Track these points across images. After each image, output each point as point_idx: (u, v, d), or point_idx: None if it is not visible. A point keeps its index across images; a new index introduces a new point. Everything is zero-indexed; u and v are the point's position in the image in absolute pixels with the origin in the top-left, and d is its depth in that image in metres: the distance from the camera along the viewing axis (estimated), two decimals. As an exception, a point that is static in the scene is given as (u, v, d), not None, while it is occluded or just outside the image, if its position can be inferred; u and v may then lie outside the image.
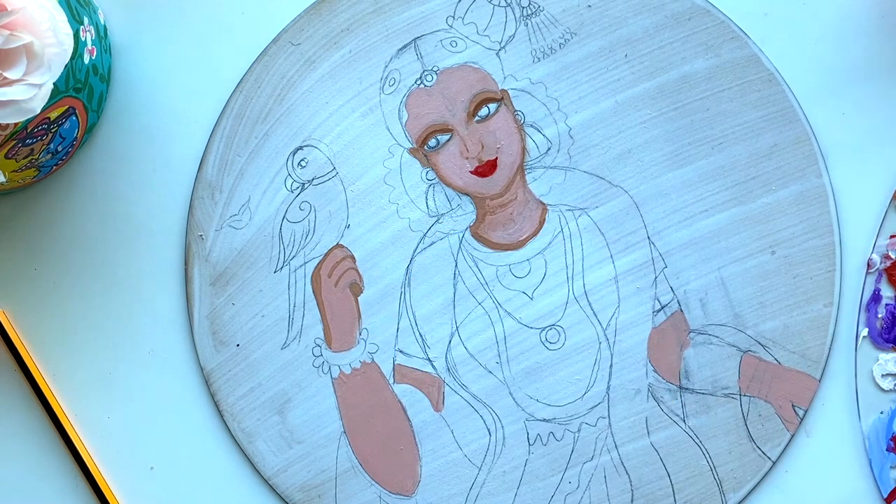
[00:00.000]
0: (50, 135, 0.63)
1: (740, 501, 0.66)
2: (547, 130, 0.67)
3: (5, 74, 0.55)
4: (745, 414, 0.65)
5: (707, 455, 0.66)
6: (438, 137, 0.67)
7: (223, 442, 0.68)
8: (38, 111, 0.56)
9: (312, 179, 0.67)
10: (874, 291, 0.66)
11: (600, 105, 0.66)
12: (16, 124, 0.59)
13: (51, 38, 0.56)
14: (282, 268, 0.67)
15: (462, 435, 0.67)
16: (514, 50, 0.67)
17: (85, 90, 0.64)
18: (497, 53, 0.67)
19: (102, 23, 0.68)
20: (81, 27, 0.63)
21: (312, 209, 0.67)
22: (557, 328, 0.66)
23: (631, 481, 0.66)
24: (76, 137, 0.66)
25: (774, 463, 0.66)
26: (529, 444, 0.66)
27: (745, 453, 0.66)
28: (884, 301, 0.66)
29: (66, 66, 0.57)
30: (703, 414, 0.66)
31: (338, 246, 0.67)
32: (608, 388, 0.66)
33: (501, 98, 0.67)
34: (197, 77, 0.68)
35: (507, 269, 0.67)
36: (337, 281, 0.67)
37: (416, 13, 0.67)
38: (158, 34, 0.69)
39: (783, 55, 0.66)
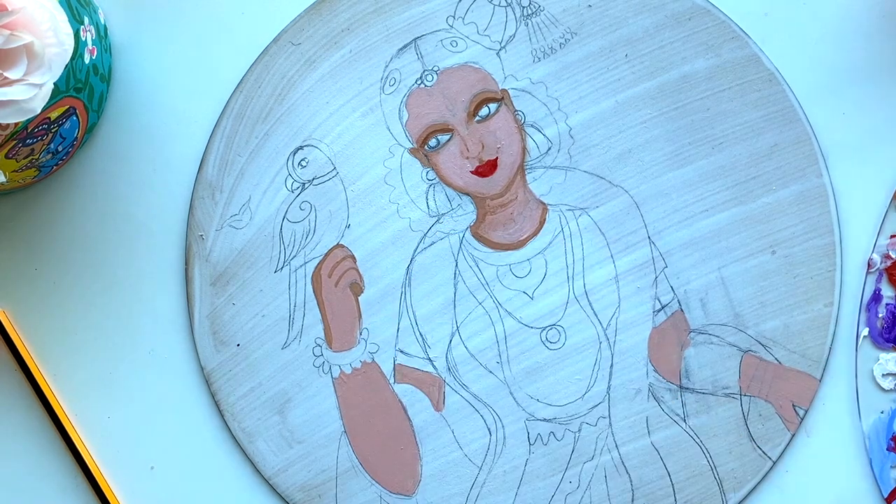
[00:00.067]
0: (50, 135, 0.63)
1: (741, 501, 0.66)
2: (547, 130, 0.67)
3: (6, 74, 0.55)
4: (746, 414, 0.65)
5: (707, 455, 0.66)
6: (439, 137, 0.67)
7: (223, 442, 0.68)
8: (39, 111, 0.56)
9: (313, 179, 0.67)
10: (874, 291, 0.66)
11: (600, 105, 0.66)
12: (16, 124, 0.59)
13: (51, 38, 0.56)
14: (282, 268, 0.67)
15: (462, 435, 0.67)
16: (515, 50, 0.67)
17: (85, 90, 0.64)
18: (497, 53, 0.67)
19: (103, 23, 0.68)
20: (82, 27, 0.63)
21: (313, 209, 0.67)
22: (558, 328, 0.66)
23: (631, 481, 0.66)
24: (76, 137, 0.66)
25: (775, 463, 0.66)
26: (530, 444, 0.66)
27: (746, 453, 0.66)
28: (884, 301, 0.66)
29: (66, 66, 0.57)
30: (704, 414, 0.66)
31: (338, 246, 0.67)
32: (608, 387, 0.66)
33: (502, 98, 0.67)
34: (197, 77, 0.68)
35: (508, 268, 0.67)
36: (337, 281, 0.67)
37: (417, 13, 0.67)
38: (158, 34, 0.69)
39: (783, 55, 0.66)
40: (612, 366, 0.66)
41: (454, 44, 0.67)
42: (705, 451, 0.66)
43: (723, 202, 0.66)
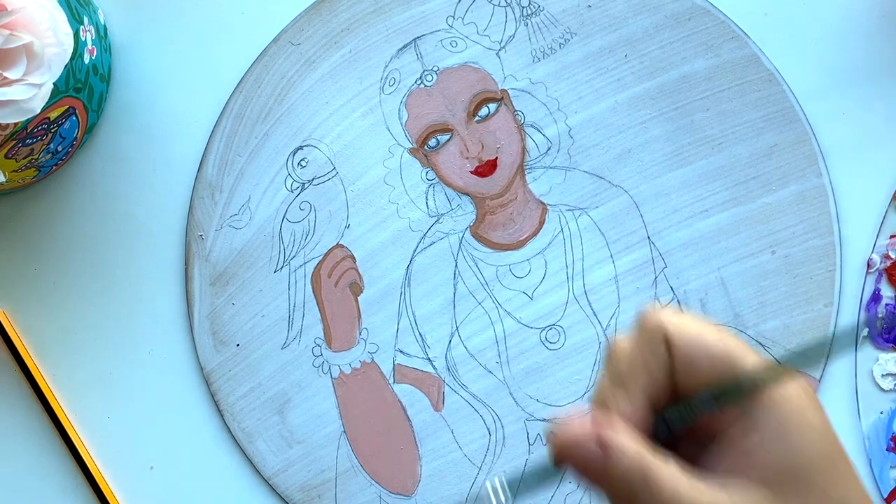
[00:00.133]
0: (50, 135, 0.63)
1: (740, 501, 0.66)
2: (547, 130, 0.67)
3: (5, 74, 0.55)
4: (745, 414, 0.65)
5: (707, 455, 0.66)
6: (438, 137, 0.67)
7: (223, 442, 0.68)
8: (38, 111, 0.56)
9: (312, 179, 0.67)
10: (874, 291, 0.66)
11: (600, 105, 0.66)
12: (16, 124, 0.59)
13: (51, 38, 0.56)
14: (282, 268, 0.67)
15: (462, 435, 0.67)
16: (514, 50, 0.67)
17: (85, 90, 0.64)
18: (497, 53, 0.67)
19: (102, 23, 0.68)
20: (81, 27, 0.63)
21: (312, 209, 0.67)
22: (557, 328, 0.66)
23: (631, 481, 0.66)
24: (76, 137, 0.66)
25: (774, 463, 0.66)
26: (529, 444, 0.66)
27: (745, 453, 0.65)
28: (884, 301, 0.66)
29: (66, 66, 0.57)
30: (703, 414, 0.66)
31: (338, 246, 0.67)
32: (608, 387, 0.66)
33: (501, 98, 0.67)
34: (197, 77, 0.68)
35: (507, 268, 0.67)
36: (337, 281, 0.67)
37: (416, 13, 0.67)
38: (158, 34, 0.69)
39: (783, 55, 0.66)
40: (611, 366, 0.66)
41: (454, 44, 0.67)
42: (705, 451, 0.66)
43: (722, 202, 0.66)
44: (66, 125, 0.64)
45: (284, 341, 0.67)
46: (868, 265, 0.66)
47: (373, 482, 0.67)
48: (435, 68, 0.67)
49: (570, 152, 0.67)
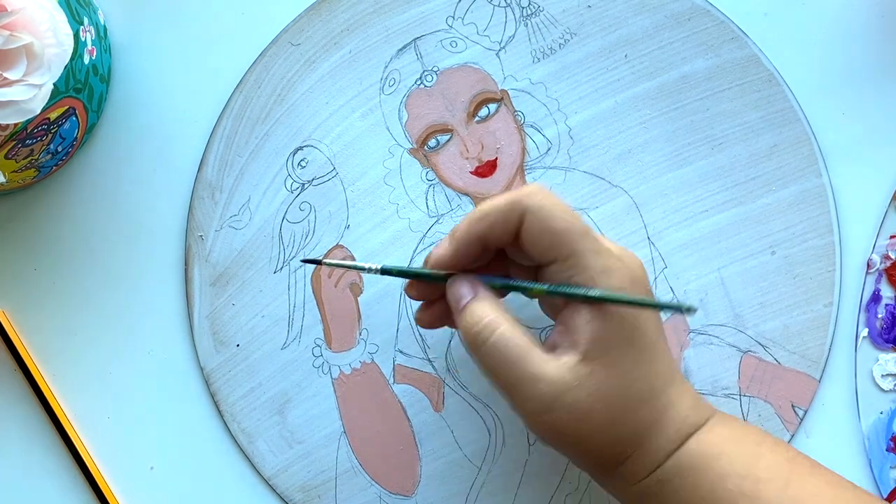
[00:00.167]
0: (50, 135, 0.63)
1: (740, 501, 0.66)
2: (547, 131, 0.67)
3: (5, 75, 0.55)
4: (745, 414, 0.65)
5: (707, 455, 0.66)
6: (438, 138, 0.67)
7: (223, 442, 0.68)
8: (38, 112, 0.56)
9: (312, 180, 0.67)
10: (874, 291, 0.66)
11: (600, 105, 0.66)
12: (16, 125, 0.59)
13: (51, 38, 0.56)
14: (282, 268, 0.67)
15: (462, 435, 0.67)
16: (514, 50, 0.67)
17: (85, 90, 0.64)
18: (497, 54, 0.67)
19: (102, 23, 0.68)
20: (81, 27, 0.63)
21: (312, 209, 0.67)
22: (557, 328, 0.66)
23: (631, 481, 0.66)
24: (76, 138, 0.66)
25: (774, 463, 0.66)
26: (529, 445, 0.66)
27: (745, 453, 0.65)
28: (884, 301, 0.66)
29: (66, 66, 0.57)
30: (703, 414, 0.66)
31: (338, 246, 0.67)
32: (608, 388, 0.66)
33: (501, 98, 0.67)
34: (197, 77, 0.68)
35: (507, 269, 0.67)
36: (337, 281, 0.67)
37: (416, 13, 0.67)
38: (158, 34, 0.69)
39: (783, 55, 0.66)
40: (611, 366, 0.66)
41: (454, 44, 0.67)
42: (705, 451, 0.66)
43: (722, 202, 0.66)
44: (66, 125, 0.64)
45: (284, 342, 0.67)
46: (868, 265, 0.66)
47: (373, 482, 0.67)
48: (435, 69, 0.67)
49: (570, 153, 0.67)
